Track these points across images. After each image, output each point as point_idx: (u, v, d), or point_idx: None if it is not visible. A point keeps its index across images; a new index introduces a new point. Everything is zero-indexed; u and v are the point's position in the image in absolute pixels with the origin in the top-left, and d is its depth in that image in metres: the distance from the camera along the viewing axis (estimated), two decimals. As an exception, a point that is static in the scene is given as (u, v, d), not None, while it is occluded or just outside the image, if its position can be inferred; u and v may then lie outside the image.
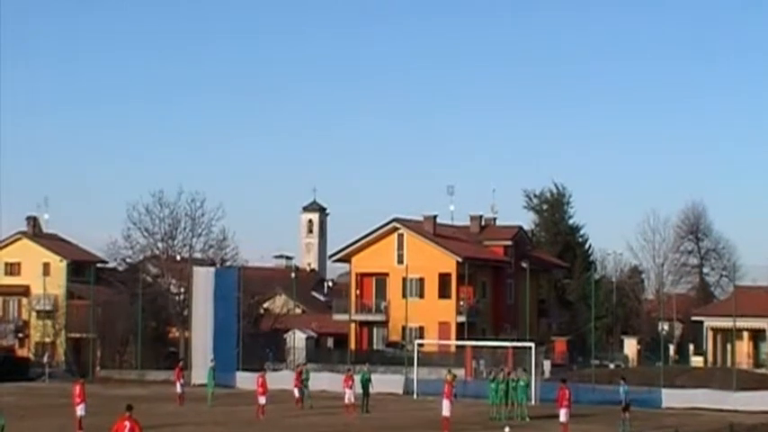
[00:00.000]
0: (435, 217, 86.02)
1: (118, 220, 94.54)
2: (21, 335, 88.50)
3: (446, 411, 38.67)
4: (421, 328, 78.61)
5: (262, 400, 44.98)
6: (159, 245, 79.98)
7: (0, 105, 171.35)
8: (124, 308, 75.95)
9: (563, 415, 37.90)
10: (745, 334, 77.74)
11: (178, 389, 51.33)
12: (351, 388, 47.15)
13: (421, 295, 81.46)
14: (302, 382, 50.73)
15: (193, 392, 53.80)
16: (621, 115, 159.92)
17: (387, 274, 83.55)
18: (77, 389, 38.39)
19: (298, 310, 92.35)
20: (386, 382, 57.98)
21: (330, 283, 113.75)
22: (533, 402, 47.54)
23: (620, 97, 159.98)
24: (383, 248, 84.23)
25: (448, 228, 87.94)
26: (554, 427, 38.92)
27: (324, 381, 58.71)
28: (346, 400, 46.80)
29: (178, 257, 79.74)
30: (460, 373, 61.58)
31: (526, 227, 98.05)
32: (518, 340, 62.23)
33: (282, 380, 56.22)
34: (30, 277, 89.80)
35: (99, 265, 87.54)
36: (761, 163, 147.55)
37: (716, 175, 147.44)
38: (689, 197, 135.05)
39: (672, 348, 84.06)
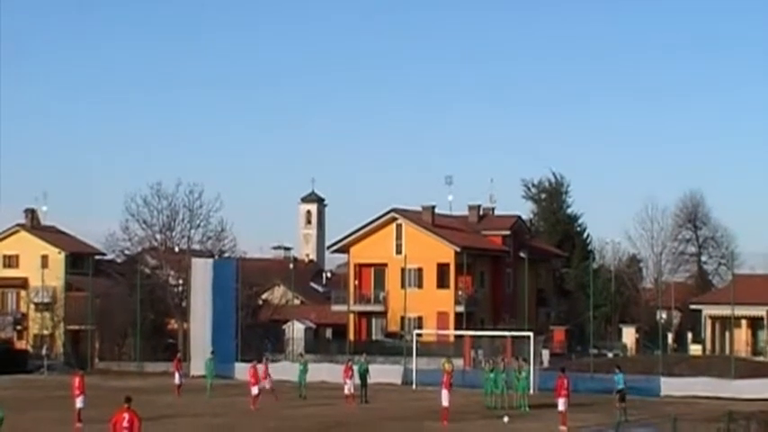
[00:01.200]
0: (434, 207, 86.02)
1: (116, 212, 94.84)
2: (19, 327, 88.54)
3: (445, 401, 38.71)
4: (419, 319, 78.65)
5: (255, 390, 44.99)
6: (157, 236, 79.92)
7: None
8: (123, 300, 75.94)
9: (561, 404, 37.95)
10: (744, 322, 77.74)
11: (176, 380, 51.39)
12: (350, 378, 47.23)
13: (419, 285, 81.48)
14: (299, 373, 50.82)
15: (192, 384, 53.86)
16: (619, 104, 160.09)
17: (385, 265, 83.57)
18: (77, 381, 38.42)
19: (296, 301, 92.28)
20: (385, 372, 58.00)
21: (329, 274, 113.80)
22: (532, 392, 47.58)
23: (618, 87, 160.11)
24: (381, 239, 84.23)
25: (446, 218, 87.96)
26: (553, 416, 38.96)
27: (323, 371, 58.75)
28: (346, 391, 46.87)
29: (176, 249, 79.70)
30: (459, 362, 61.65)
31: (525, 216, 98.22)
32: (517, 330, 62.26)
33: (282, 370, 56.31)
34: (28, 269, 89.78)
35: (97, 257, 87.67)
36: (759, 151, 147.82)
37: (714, 164, 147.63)
38: (687, 185, 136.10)
39: (670, 337, 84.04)
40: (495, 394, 45.02)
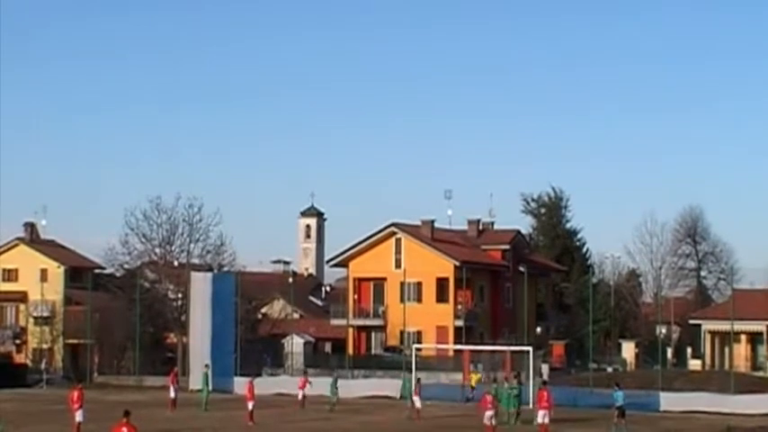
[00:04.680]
0: (433, 221, 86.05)
1: (115, 226, 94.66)
2: (18, 341, 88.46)
3: (488, 420, 38.05)
4: (419, 333, 78.68)
5: (250, 405, 44.79)
6: (157, 250, 79.92)
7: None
8: (122, 314, 75.92)
9: (541, 416, 37.77)
10: (743, 337, 77.70)
11: (171, 394, 51.13)
12: (419, 395, 46.89)
13: (419, 300, 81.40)
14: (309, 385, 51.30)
15: (191, 398, 53.74)
16: (619, 119, 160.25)
17: (384, 279, 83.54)
18: (75, 394, 38.29)
19: (295, 315, 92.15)
20: (383, 386, 57.96)
21: (328, 288, 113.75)
22: (531, 406, 47.42)
23: (618, 101, 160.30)
24: (381, 253, 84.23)
25: (445, 232, 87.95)
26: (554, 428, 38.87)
27: (322, 386, 58.58)
28: (418, 405, 46.51)
29: (176, 263, 79.66)
30: (458, 377, 61.58)
31: (524, 231, 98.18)
32: (516, 344, 62.25)
33: (281, 384, 56.31)
34: (27, 283, 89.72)
35: (97, 271, 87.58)
36: (758, 166, 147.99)
37: (713, 178, 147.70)
38: (686, 200, 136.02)
39: (670, 352, 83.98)
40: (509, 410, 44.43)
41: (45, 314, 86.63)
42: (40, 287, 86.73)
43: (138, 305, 72.06)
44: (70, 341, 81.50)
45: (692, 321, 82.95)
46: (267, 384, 58.67)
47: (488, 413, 37.74)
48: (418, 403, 46.27)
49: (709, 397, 52.18)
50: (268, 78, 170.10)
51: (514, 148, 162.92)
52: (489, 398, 38.49)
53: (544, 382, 41.33)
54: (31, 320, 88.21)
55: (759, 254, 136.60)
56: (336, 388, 51.80)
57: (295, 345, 79.85)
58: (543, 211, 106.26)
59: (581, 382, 59.49)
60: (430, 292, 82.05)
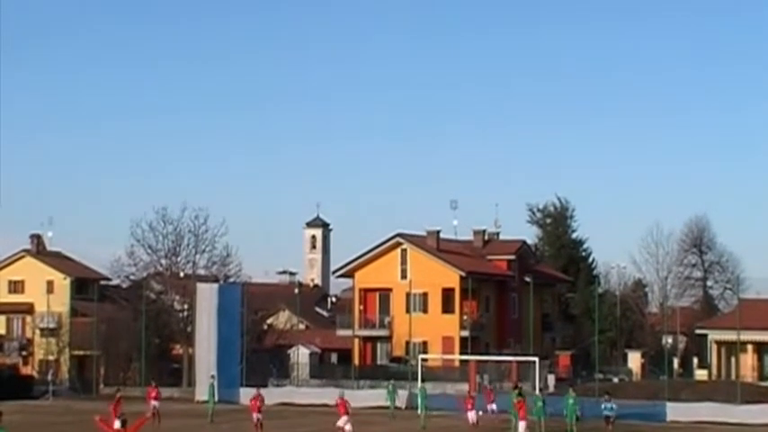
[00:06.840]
0: (438, 232, 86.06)
1: (121, 237, 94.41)
2: (25, 353, 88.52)
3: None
4: (425, 343, 78.65)
5: (255, 416, 44.66)
6: (163, 261, 79.96)
7: (2, 122, 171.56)
8: (128, 325, 75.99)
9: (522, 428, 37.70)
10: (750, 347, 77.45)
11: (151, 407, 50.01)
12: (472, 410, 46.62)
13: (424, 310, 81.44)
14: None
15: (197, 409, 53.76)
16: (624, 128, 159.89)
17: (390, 290, 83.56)
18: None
19: (301, 326, 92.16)
20: (390, 397, 57.84)
21: (334, 299, 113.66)
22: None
23: (623, 110, 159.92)
24: (386, 264, 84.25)
25: (451, 242, 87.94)
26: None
27: (327, 396, 58.52)
28: (473, 419, 46.42)
29: (182, 274, 79.68)
30: (464, 387, 61.56)
31: (530, 241, 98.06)
32: (522, 354, 62.21)
33: (287, 395, 56.16)
34: (33, 295, 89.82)
35: (103, 282, 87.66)
36: (764, 175, 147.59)
37: (719, 188, 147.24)
38: (692, 210, 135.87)
39: (676, 362, 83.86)
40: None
41: (51, 326, 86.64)
42: (47, 299, 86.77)
43: (144, 316, 72.12)
44: (76, 352, 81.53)
45: (698, 331, 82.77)
46: (273, 395, 58.68)
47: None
48: (474, 417, 46.13)
49: (716, 407, 52.10)
50: (274, 88, 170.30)
51: (520, 159, 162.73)
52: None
53: (520, 393, 41.11)
54: (38, 332, 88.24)
55: (765, 263, 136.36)
56: (395, 394, 52.73)
57: (301, 355, 79.91)
58: (549, 221, 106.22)
59: (587, 393, 59.36)
60: (436, 302, 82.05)
